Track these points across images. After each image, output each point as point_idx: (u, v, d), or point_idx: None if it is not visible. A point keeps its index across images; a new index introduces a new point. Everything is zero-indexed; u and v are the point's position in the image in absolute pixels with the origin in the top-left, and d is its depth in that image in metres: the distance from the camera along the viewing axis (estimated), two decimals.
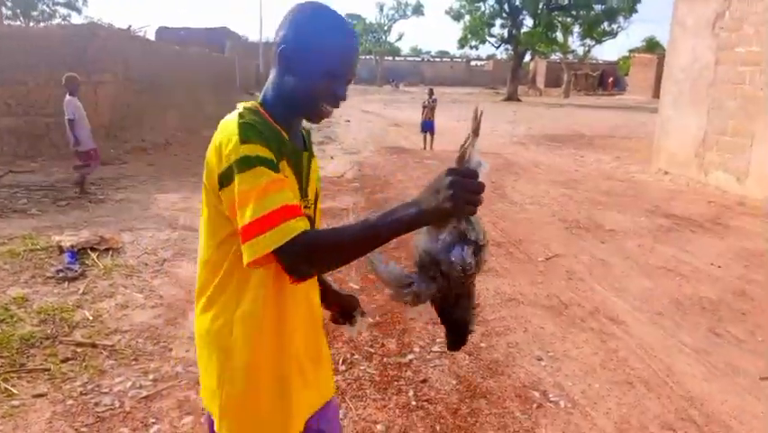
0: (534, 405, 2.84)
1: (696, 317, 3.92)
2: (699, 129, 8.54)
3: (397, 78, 50.48)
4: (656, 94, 31.26)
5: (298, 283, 1.13)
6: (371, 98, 31.58)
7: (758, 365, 3.29)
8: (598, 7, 31.99)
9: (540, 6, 31.73)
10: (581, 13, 32.20)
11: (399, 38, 67.84)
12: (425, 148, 12.48)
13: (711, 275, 4.72)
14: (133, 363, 3.13)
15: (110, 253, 4.74)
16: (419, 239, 1.17)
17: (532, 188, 8.23)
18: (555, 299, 4.20)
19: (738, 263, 5.02)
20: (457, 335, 1.25)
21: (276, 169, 1.10)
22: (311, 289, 1.33)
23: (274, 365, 1.22)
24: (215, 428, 1.25)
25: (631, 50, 49.40)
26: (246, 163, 1.07)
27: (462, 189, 1.01)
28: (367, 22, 59.54)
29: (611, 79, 44.70)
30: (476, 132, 1.12)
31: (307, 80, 1.18)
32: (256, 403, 1.22)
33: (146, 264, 4.59)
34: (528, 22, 33.09)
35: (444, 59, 62.45)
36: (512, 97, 31.58)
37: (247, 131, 1.10)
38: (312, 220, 1.28)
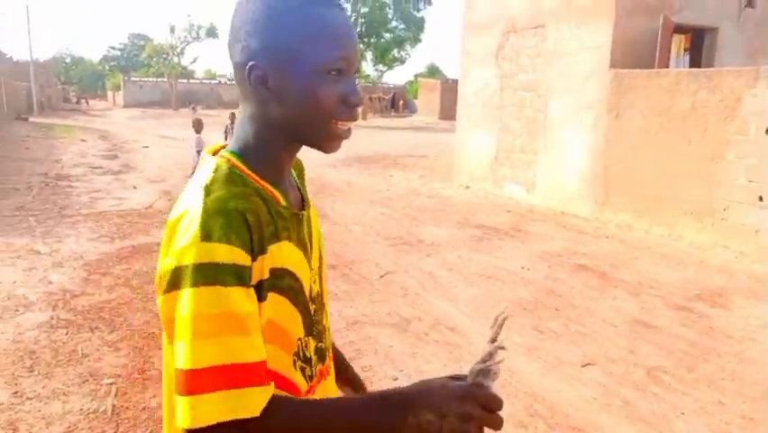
0: None
1: (520, 318, 4.31)
2: (492, 147, 9.56)
3: (194, 102, 48.42)
4: (442, 115, 34.44)
5: None
6: (169, 122, 29.79)
7: (577, 354, 3.72)
8: (387, 35, 34.34)
9: None
10: (373, 40, 34.26)
11: (194, 61, 65.29)
12: None
13: (524, 278, 5.26)
14: None
15: None
16: None
17: (351, 209, 8.42)
18: (397, 316, 4.31)
19: (542, 264, 5.68)
20: None
21: (246, 281, 0.76)
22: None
23: None
24: None
25: (416, 75, 53.94)
26: (203, 275, 0.73)
27: (478, 427, 0.75)
28: (155, 43, 56.31)
29: (401, 102, 48.05)
30: (496, 340, 0.87)
31: (302, 96, 0.83)
32: None
33: None
34: None
35: None
36: None
37: (212, 221, 0.74)
38: (320, 294, 0.99)
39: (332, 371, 1.04)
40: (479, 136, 9.92)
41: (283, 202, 0.88)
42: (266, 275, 0.81)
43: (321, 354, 0.97)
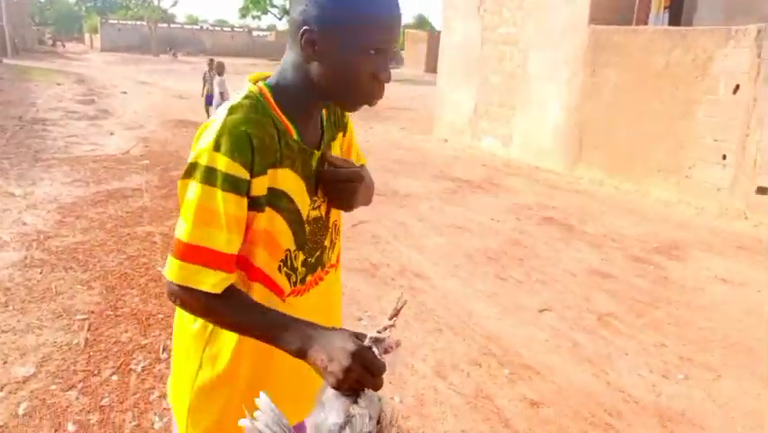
0: None
1: (484, 267, 4.48)
2: (471, 100, 9.58)
3: (175, 47, 47.11)
4: (428, 68, 34.01)
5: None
6: (149, 68, 29.10)
7: (535, 300, 3.91)
8: None
9: None
10: None
11: (174, 4, 63.11)
12: None
13: (492, 229, 5.42)
14: None
15: None
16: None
17: None
18: (366, 262, 4.45)
19: (511, 217, 5.84)
20: None
21: (240, 191, 0.96)
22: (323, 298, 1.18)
23: (250, 375, 1.11)
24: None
25: (404, 26, 52.93)
26: (208, 176, 0.95)
27: (355, 380, 0.88)
28: None
29: None
30: (394, 318, 0.99)
31: (341, 66, 0.97)
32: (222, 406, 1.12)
33: None
34: None
35: (225, 29, 59.90)
36: None
37: (224, 137, 0.95)
38: (322, 219, 1.14)
39: (328, 277, 1.20)
40: (459, 89, 9.92)
41: (295, 136, 1.04)
42: (264, 192, 1.00)
43: (311, 267, 1.14)
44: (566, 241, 5.17)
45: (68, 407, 2.48)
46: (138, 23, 51.54)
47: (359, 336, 0.94)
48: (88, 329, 3.15)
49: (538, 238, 5.21)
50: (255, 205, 1.00)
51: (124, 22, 53.37)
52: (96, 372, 2.75)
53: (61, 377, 2.70)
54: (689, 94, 6.26)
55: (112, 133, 9.78)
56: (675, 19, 8.16)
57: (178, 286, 0.98)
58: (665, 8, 7.72)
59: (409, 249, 4.79)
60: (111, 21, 53.75)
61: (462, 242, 5.03)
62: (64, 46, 54.43)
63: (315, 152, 1.09)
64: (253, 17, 34.35)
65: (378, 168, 7.94)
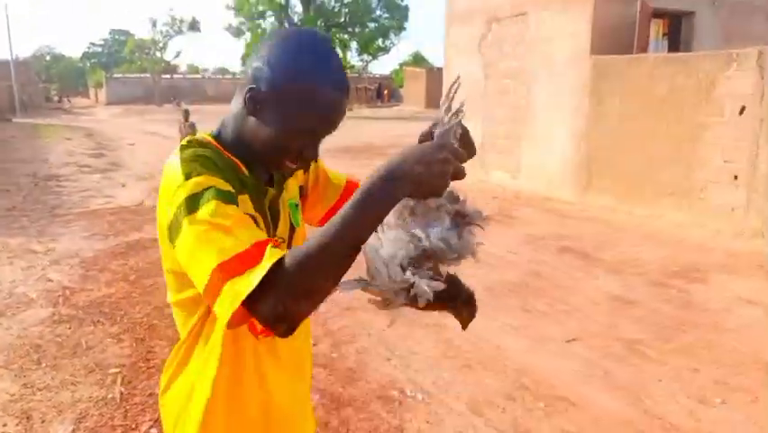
0: (396, 403, 3.01)
1: (507, 300, 4.49)
2: (478, 135, 9.70)
3: (178, 97, 47.99)
4: (428, 104, 34.50)
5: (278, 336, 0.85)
6: (153, 118, 29.63)
7: (562, 331, 3.90)
8: (371, 25, 34.28)
9: (318, 23, 32.94)
10: (357, 30, 34.18)
11: (177, 55, 64.45)
12: None
13: (510, 261, 5.44)
14: None
15: None
16: (377, 240, 0.93)
17: None
18: None
19: (528, 248, 5.86)
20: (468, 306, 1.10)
21: (235, 201, 0.89)
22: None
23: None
24: None
25: (401, 64, 53.87)
26: (196, 200, 0.86)
27: (453, 167, 0.85)
28: (137, 38, 55.76)
29: (387, 92, 47.97)
30: (450, 107, 0.97)
31: (274, 135, 0.97)
32: None
33: None
34: None
35: (226, 76, 61.13)
36: None
37: (191, 163, 0.91)
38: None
39: None
40: (464, 124, 10.05)
41: (245, 171, 1.01)
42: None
43: None
44: (585, 269, 5.18)
45: None
46: (142, 75, 52.69)
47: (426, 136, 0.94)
48: (122, 383, 3.16)
49: (557, 268, 5.22)
50: None
51: (129, 75, 54.57)
52: (133, 426, 2.76)
53: None
54: (695, 117, 6.34)
55: (124, 185, 9.93)
56: (674, 45, 8.34)
57: (247, 300, 0.79)
58: (664, 35, 7.90)
59: None
60: (116, 75, 54.97)
61: (482, 275, 5.03)
62: (70, 102, 55.57)
63: (270, 189, 1.07)
64: None
65: None
